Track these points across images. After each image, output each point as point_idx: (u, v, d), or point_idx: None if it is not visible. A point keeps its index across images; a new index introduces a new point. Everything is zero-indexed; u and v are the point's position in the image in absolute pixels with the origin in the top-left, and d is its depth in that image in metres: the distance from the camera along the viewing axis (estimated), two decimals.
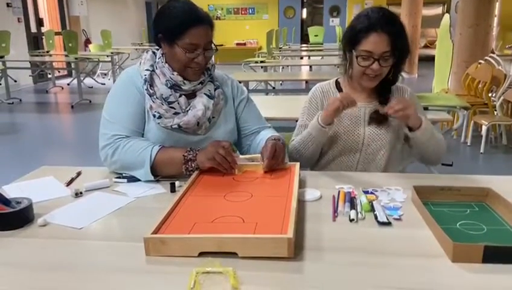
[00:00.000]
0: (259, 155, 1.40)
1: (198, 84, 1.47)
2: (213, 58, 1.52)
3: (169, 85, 1.43)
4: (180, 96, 1.45)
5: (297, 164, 1.41)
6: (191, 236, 0.96)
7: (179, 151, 1.37)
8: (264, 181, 1.33)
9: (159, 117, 1.42)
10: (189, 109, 1.45)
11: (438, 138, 1.51)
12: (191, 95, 1.48)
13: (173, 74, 1.43)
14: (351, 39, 1.47)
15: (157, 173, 1.37)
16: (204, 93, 1.48)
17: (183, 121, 1.43)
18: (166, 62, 1.44)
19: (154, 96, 1.42)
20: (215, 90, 1.51)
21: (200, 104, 1.45)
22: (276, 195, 1.19)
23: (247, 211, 1.09)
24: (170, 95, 1.43)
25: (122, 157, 1.39)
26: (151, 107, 1.42)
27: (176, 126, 1.43)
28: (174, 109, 1.43)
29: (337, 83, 1.64)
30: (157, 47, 1.49)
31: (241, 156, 1.40)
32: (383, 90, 1.56)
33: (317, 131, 1.48)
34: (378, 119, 1.54)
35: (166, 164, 1.36)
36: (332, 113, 1.43)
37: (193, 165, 1.35)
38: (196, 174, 1.34)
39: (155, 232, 0.97)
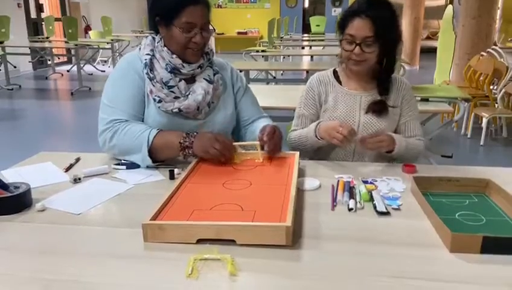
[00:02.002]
0: (257, 142, 1.40)
1: (198, 68, 1.47)
2: (213, 46, 1.53)
3: (169, 69, 1.43)
4: (179, 80, 1.45)
5: (297, 153, 1.40)
6: (189, 223, 0.96)
7: (175, 136, 1.36)
8: (264, 170, 1.33)
9: (159, 101, 1.42)
10: (189, 94, 1.45)
11: (414, 148, 1.54)
12: (190, 80, 1.48)
13: (172, 57, 1.43)
14: (341, 24, 1.50)
15: (155, 157, 1.37)
16: (204, 78, 1.48)
17: (183, 105, 1.43)
18: (165, 46, 1.44)
19: (155, 80, 1.42)
20: (214, 75, 1.51)
21: (200, 88, 1.46)
22: (275, 183, 1.19)
23: (246, 199, 1.09)
24: (170, 79, 1.43)
25: (120, 142, 1.39)
26: (151, 91, 1.42)
27: (176, 110, 1.43)
28: (174, 93, 1.43)
29: (335, 72, 1.64)
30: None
31: (237, 143, 1.40)
32: (380, 80, 1.56)
33: (314, 140, 1.51)
34: (377, 109, 1.54)
35: (163, 149, 1.36)
36: (331, 140, 1.43)
37: (190, 152, 1.34)
38: (195, 162, 1.34)
39: (153, 218, 0.97)
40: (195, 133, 1.36)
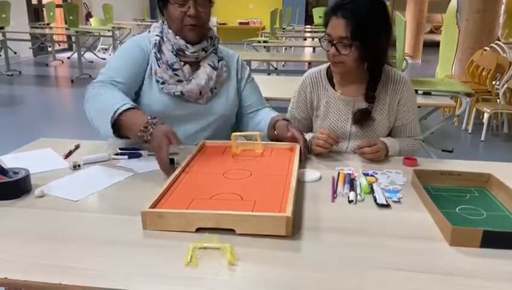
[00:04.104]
0: (257, 133, 1.40)
1: (202, 51, 1.49)
2: (216, 31, 1.56)
3: (174, 52, 1.46)
4: (184, 64, 1.48)
5: (298, 145, 1.40)
6: (189, 211, 0.95)
7: (138, 124, 1.22)
8: (264, 160, 1.32)
9: (163, 83, 1.45)
10: (193, 78, 1.48)
11: (408, 150, 1.52)
12: (194, 65, 1.51)
13: (176, 39, 1.46)
14: (324, 21, 1.46)
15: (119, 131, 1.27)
16: (208, 64, 1.51)
17: (186, 88, 1.46)
18: (169, 28, 1.49)
19: (161, 61, 1.45)
20: (218, 62, 1.54)
21: (204, 73, 1.49)
22: (276, 174, 1.19)
23: (246, 189, 1.09)
24: (175, 62, 1.46)
25: (98, 101, 1.33)
26: (155, 72, 1.45)
27: (178, 93, 1.46)
28: (178, 76, 1.46)
29: (329, 70, 1.57)
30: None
31: (237, 133, 1.40)
32: (367, 87, 1.49)
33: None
34: (360, 119, 1.49)
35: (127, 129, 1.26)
36: (319, 152, 1.41)
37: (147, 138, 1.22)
38: (196, 151, 1.34)
39: (153, 206, 0.97)
40: (152, 128, 1.20)
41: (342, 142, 1.53)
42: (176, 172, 1.16)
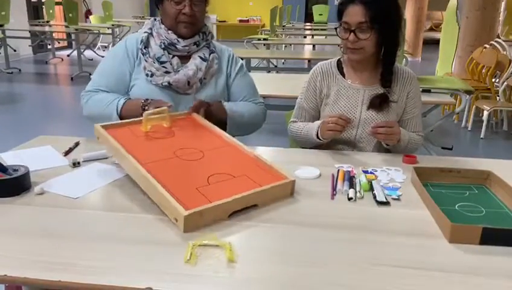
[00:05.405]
0: (165, 108, 1.35)
1: (194, 45, 1.53)
2: (215, 33, 1.57)
3: (163, 46, 1.51)
4: (173, 57, 1.52)
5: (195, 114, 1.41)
6: (223, 201, 0.98)
7: (136, 110, 1.42)
8: (186, 134, 1.32)
9: (151, 75, 1.50)
10: (181, 69, 1.51)
11: (413, 144, 1.53)
12: (185, 58, 1.54)
13: (168, 33, 1.51)
14: (338, 13, 1.48)
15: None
16: (199, 56, 1.55)
17: (173, 79, 1.49)
18: (162, 23, 1.54)
19: (147, 56, 1.51)
20: (209, 54, 1.57)
21: (193, 65, 1.52)
22: (219, 146, 1.27)
23: (224, 167, 1.15)
24: (162, 55, 1.51)
25: (90, 110, 1.52)
26: (144, 68, 1.51)
27: (166, 83, 1.49)
28: (166, 68, 1.50)
29: (339, 63, 1.61)
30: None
31: (150, 111, 1.33)
32: (383, 72, 1.52)
33: (314, 140, 1.50)
34: (378, 103, 1.51)
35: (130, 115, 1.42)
36: (330, 136, 1.44)
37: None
38: (112, 137, 1.21)
39: (186, 208, 0.93)
40: (148, 106, 1.41)
41: (351, 129, 1.54)
42: (135, 166, 1.08)
